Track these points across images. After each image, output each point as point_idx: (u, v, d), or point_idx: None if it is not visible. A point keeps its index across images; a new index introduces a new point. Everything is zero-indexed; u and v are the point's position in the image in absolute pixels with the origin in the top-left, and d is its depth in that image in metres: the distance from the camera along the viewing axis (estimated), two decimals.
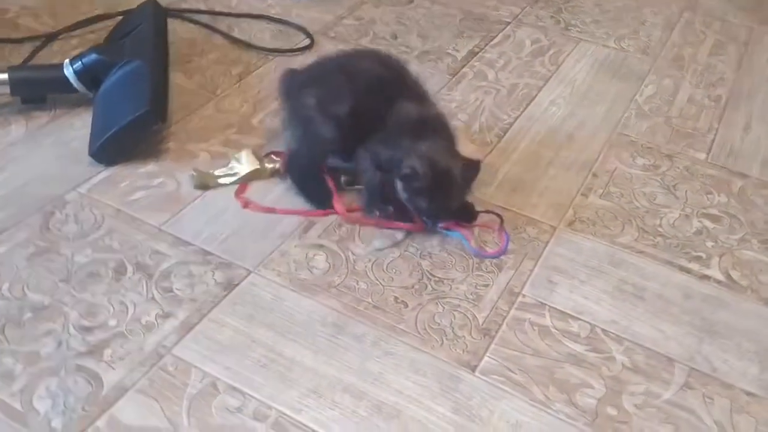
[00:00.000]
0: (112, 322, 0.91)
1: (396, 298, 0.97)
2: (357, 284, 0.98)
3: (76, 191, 1.10)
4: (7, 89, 1.22)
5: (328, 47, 1.49)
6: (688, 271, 1.05)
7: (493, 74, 1.46)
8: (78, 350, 0.87)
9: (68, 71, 1.22)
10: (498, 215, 1.09)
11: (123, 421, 0.80)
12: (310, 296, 0.96)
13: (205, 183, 1.12)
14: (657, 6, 1.77)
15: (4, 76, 1.21)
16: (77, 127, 1.22)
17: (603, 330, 0.95)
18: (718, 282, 1.03)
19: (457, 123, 1.26)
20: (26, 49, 1.42)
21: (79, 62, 1.22)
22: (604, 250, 1.07)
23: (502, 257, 1.04)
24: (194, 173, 1.12)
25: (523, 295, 0.99)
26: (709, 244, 1.09)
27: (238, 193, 1.12)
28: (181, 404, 0.82)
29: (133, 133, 1.15)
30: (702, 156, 1.28)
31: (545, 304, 0.98)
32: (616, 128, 1.33)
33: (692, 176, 1.23)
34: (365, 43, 1.53)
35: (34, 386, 0.83)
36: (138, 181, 1.13)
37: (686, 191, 1.19)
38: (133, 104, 1.14)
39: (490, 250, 1.05)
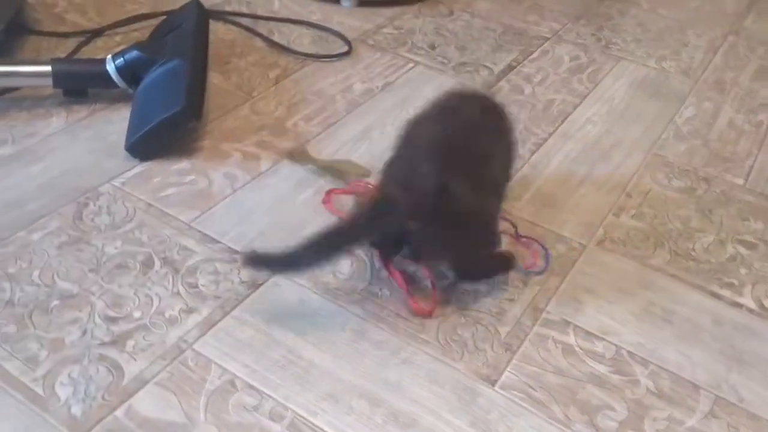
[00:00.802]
0: (137, 314, 0.92)
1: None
2: (380, 291, 0.98)
3: (110, 184, 1.12)
4: (49, 81, 1.25)
5: (365, 55, 1.50)
6: (719, 297, 1.02)
7: (529, 89, 1.45)
8: (102, 340, 0.88)
9: (110, 67, 1.24)
10: (513, 224, 1.09)
11: (141, 412, 0.81)
12: (332, 300, 0.96)
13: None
14: (700, 28, 1.75)
15: (48, 68, 1.24)
16: (115, 122, 1.24)
17: (628, 352, 0.93)
18: (750, 310, 1.01)
19: None
20: (71, 43, 1.45)
21: (121, 58, 1.25)
22: (633, 271, 1.05)
23: (528, 272, 1.03)
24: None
25: (548, 312, 0.97)
26: (743, 271, 1.07)
27: (330, 191, 1.13)
28: (198, 399, 0.82)
29: (168, 130, 1.17)
30: (740, 181, 1.25)
31: (570, 323, 0.96)
32: (652, 149, 1.31)
33: (729, 201, 1.20)
34: (403, 52, 1.53)
35: (57, 373, 0.84)
36: (171, 177, 1.14)
37: (722, 216, 1.17)
38: (169, 102, 1.16)
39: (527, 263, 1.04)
